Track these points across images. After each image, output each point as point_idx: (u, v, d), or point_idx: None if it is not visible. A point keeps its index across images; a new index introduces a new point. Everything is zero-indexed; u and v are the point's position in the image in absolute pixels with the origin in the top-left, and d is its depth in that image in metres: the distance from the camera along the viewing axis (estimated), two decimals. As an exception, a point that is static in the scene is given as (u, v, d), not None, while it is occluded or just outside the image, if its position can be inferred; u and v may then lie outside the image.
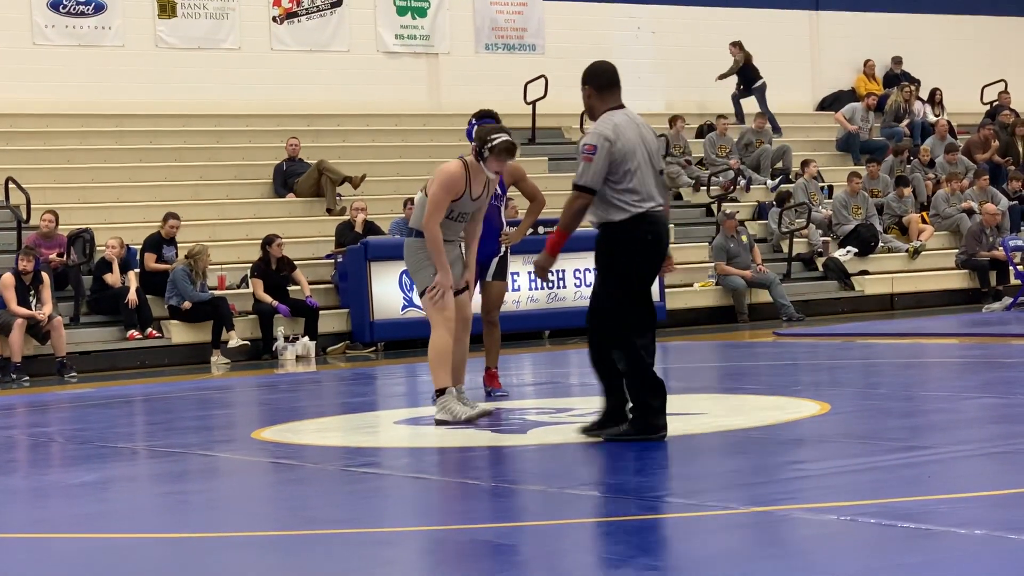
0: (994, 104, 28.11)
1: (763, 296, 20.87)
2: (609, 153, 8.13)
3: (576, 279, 19.32)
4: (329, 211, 21.13)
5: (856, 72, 28.66)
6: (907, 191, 23.98)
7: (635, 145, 8.20)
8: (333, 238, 19.84)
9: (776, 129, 25.86)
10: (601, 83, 8.36)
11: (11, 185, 19.07)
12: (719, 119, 25.23)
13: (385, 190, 21.50)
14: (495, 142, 9.39)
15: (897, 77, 28.46)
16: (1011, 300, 20.73)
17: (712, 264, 21.03)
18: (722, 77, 26.25)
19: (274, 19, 23.90)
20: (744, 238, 21.10)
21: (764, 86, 26.20)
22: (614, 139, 8.16)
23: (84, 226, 18.89)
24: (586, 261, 18.64)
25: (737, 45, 26.19)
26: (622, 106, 8.37)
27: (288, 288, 18.51)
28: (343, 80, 24.10)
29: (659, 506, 6.28)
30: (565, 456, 8.14)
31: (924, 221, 23.88)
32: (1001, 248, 22.12)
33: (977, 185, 24.31)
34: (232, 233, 20.25)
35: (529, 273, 18.49)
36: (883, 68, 28.88)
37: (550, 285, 18.88)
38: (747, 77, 26.35)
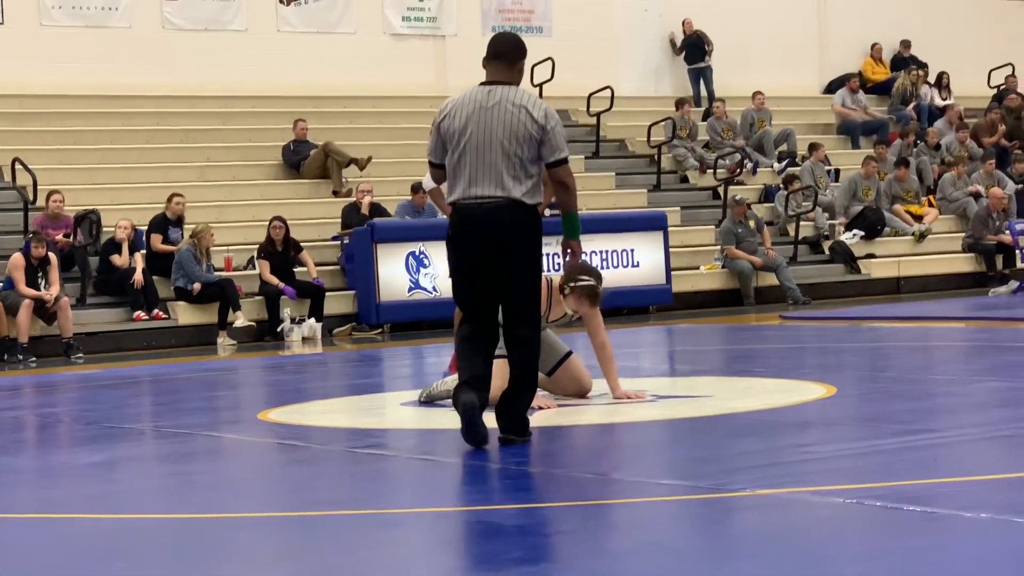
0: (1001, 88, 28.07)
1: (770, 279, 20.86)
2: (438, 127, 7.72)
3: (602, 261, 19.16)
4: (335, 193, 21.14)
5: (864, 55, 28.60)
6: (905, 173, 23.73)
7: (463, 126, 7.57)
8: (339, 220, 19.84)
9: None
10: (485, 55, 7.79)
11: (17, 166, 19.07)
12: (716, 103, 25.21)
13: (391, 172, 21.49)
14: (580, 284, 9.27)
15: (905, 60, 28.40)
16: (1017, 284, 20.74)
17: (718, 247, 21.04)
18: (677, 52, 26.58)
19: (281, 1, 23.88)
20: (752, 223, 21.08)
21: (709, 69, 26.25)
22: (443, 114, 7.67)
23: (90, 207, 18.91)
24: (608, 243, 18.60)
25: (687, 23, 26.34)
26: (496, 82, 7.64)
27: (295, 269, 18.52)
28: (350, 62, 24.08)
29: (664, 489, 6.28)
30: (571, 439, 8.14)
31: (931, 204, 23.85)
32: (1008, 232, 22.11)
33: (984, 169, 24.27)
34: (239, 214, 20.25)
35: (555, 255, 18.42)
36: (891, 51, 28.81)
37: None
38: (692, 54, 26.34)
